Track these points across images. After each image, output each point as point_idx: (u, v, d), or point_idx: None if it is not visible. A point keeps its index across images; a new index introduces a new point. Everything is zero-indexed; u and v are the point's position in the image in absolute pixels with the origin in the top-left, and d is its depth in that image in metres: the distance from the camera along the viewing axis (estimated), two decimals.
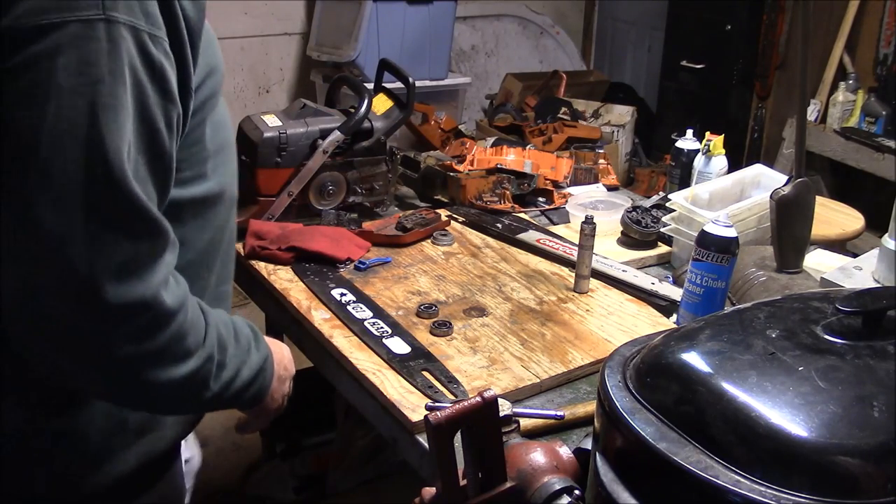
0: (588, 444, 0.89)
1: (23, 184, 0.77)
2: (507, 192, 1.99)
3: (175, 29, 0.85)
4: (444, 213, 1.90)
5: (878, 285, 1.47)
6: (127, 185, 0.79)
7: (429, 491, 0.91)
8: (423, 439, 1.15)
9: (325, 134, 1.76)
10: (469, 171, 2.04)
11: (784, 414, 0.67)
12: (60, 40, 0.76)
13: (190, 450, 1.50)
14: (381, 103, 1.92)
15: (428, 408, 1.18)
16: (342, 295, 1.50)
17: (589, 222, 1.55)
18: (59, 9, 0.76)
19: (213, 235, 1.06)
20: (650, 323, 1.47)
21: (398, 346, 1.34)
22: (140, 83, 0.81)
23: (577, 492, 0.88)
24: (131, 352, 0.83)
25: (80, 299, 0.79)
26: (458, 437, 0.84)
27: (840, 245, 2.27)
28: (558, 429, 1.16)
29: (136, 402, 0.94)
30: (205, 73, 0.94)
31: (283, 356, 1.11)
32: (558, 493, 0.88)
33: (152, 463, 1.04)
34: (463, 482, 0.87)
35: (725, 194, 1.82)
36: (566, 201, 2.03)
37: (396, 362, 1.29)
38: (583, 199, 2.02)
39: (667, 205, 1.80)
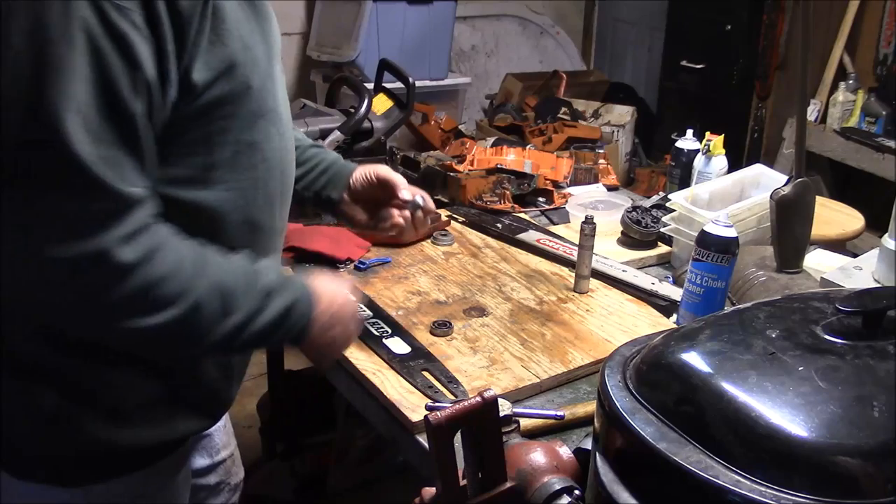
0: (588, 444, 0.89)
1: None
2: (507, 192, 1.99)
3: (151, 7, 0.84)
4: (444, 213, 1.90)
5: (878, 285, 1.47)
6: (68, 145, 0.81)
7: (429, 491, 0.91)
8: (423, 439, 1.15)
9: (325, 134, 1.76)
10: (469, 171, 2.04)
11: (784, 414, 0.67)
12: (13, 3, 0.79)
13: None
14: (381, 103, 1.92)
15: (428, 408, 1.18)
16: None
17: (589, 222, 1.55)
18: None
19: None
20: (650, 323, 1.47)
21: (398, 346, 1.34)
22: (99, 50, 0.82)
23: (577, 492, 0.88)
24: (93, 304, 0.87)
25: (27, 254, 0.84)
26: (458, 437, 0.84)
27: (840, 245, 2.26)
28: (558, 429, 1.16)
29: (128, 347, 0.97)
30: (217, 70, 0.92)
31: (332, 297, 1.09)
32: (558, 493, 0.88)
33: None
34: (463, 482, 0.87)
35: (725, 194, 1.82)
36: (566, 201, 2.03)
37: (396, 362, 1.29)
38: (583, 199, 2.02)
39: (667, 205, 1.80)
